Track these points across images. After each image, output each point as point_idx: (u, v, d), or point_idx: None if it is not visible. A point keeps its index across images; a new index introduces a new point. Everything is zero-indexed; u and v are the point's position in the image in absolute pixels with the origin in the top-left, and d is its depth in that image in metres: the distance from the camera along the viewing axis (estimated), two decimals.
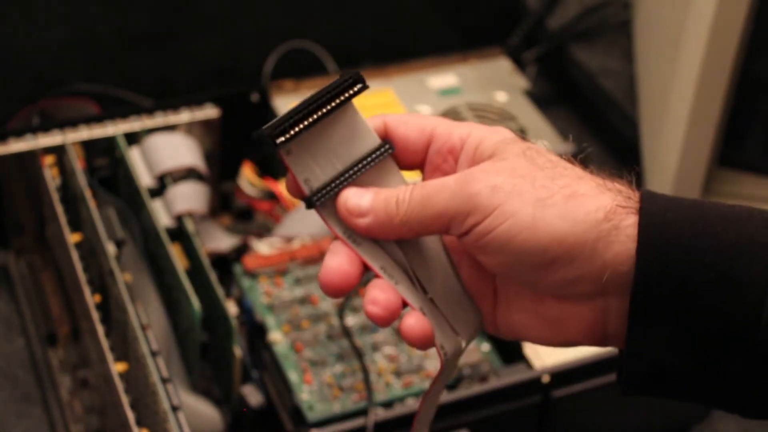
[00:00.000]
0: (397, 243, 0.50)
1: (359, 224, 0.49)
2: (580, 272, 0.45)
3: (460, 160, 0.50)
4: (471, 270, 0.50)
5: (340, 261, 0.49)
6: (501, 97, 1.01)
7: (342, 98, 0.51)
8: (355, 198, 0.49)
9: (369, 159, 0.50)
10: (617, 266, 0.45)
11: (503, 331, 0.50)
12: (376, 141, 0.51)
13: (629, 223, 0.45)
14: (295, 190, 0.50)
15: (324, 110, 0.50)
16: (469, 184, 0.46)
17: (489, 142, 0.49)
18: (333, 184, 0.49)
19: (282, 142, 0.49)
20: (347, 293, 0.49)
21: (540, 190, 0.46)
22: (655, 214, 0.45)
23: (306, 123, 0.49)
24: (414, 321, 0.48)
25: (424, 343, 0.48)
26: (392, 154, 0.51)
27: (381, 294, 0.48)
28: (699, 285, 0.44)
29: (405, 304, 0.49)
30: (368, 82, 1.11)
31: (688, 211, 0.45)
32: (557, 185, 0.46)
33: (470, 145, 0.49)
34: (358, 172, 0.49)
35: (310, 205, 0.49)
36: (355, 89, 0.51)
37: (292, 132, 0.49)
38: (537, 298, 0.48)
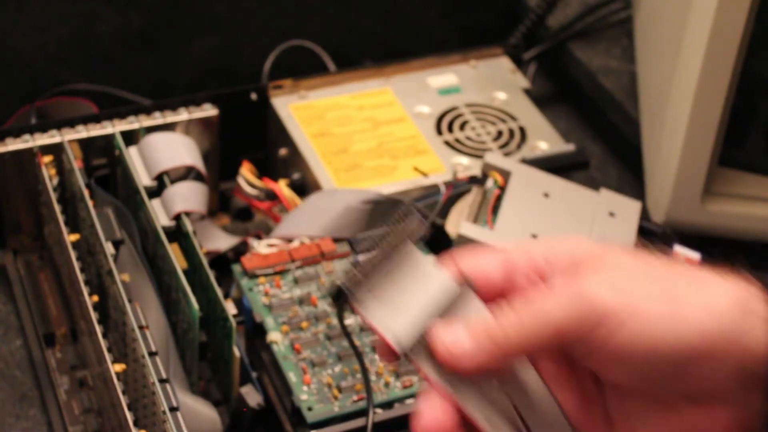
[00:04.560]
0: (497, 381, 0.46)
1: (462, 362, 0.45)
2: (721, 365, 0.43)
3: (552, 278, 0.46)
4: (575, 399, 0.47)
5: (434, 414, 0.45)
6: (501, 96, 1.01)
7: (402, 240, 0.48)
8: (450, 335, 0.45)
9: (449, 297, 0.47)
10: (758, 353, 0.43)
11: None
12: (449, 280, 0.48)
13: (761, 307, 0.43)
14: (383, 348, 0.46)
15: (387, 257, 0.48)
16: (588, 291, 0.43)
17: (583, 251, 0.46)
18: (419, 328, 0.46)
19: (354, 296, 0.46)
20: None
21: (665, 286, 0.43)
22: None
23: (373, 272, 0.47)
24: None
25: None
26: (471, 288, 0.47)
27: None
28: None
29: None
30: (367, 82, 1.12)
31: None
32: (680, 280, 0.44)
33: (560, 259, 0.46)
34: (439, 312, 0.46)
35: (401, 355, 0.46)
36: (413, 227, 0.48)
37: (361, 284, 0.47)
38: (667, 408, 0.45)
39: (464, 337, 0.45)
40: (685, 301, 0.43)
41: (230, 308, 0.75)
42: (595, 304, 0.43)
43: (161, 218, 0.83)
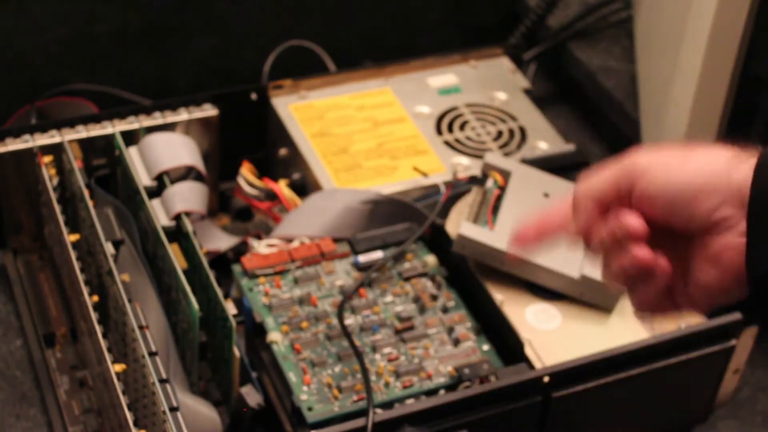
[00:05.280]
0: None
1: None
2: (720, 196, 0.57)
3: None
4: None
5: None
6: (501, 96, 1.01)
7: None
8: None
9: None
10: (743, 183, 0.56)
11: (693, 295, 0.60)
12: None
13: (745, 156, 0.57)
14: None
15: None
16: (632, 157, 0.60)
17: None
18: None
19: None
20: None
21: (681, 153, 0.59)
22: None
23: None
24: None
25: None
26: None
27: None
28: None
29: None
30: (367, 82, 1.12)
31: None
32: (693, 150, 0.59)
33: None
34: None
35: None
36: None
37: None
38: (697, 244, 0.58)
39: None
40: (691, 157, 0.58)
41: (230, 308, 0.75)
42: (634, 162, 0.59)
43: (161, 218, 0.83)
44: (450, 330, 0.80)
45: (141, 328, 0.72)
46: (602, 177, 0.60)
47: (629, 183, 0.59)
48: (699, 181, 0.57)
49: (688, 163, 0.58)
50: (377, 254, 0.84)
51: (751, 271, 0.56)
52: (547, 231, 0.63)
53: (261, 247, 0.85)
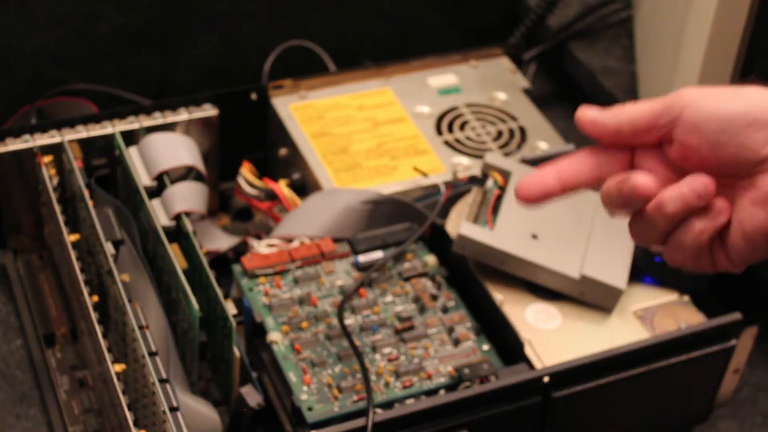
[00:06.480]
0: None
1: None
2: None
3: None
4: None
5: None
6: (501, 96, 1.01)
7: None
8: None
9: None
10: None
11: (738, 249, 0.55)
12: None
13: None
14: None
15: None
16: (677, 92, 0.56)
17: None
18: None
19: None
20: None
21: (731, 89, 0.55)
22: None
23: None
24: None
25: None
26: None
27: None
28: None
29: None
30: (367, 82, 1.12)
31: None
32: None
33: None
34: None
35: None
36: None
37: None
38: (750, 183, 0.54)
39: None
40: (744, 90, 0.54)
41: (230, 308, 0.75)
42: (680, 95, 0.55)
43: (161, 218, 0.83)
44: (450, 330, 0.80)
45: (141, 328, 0.72)
46: (641, 105, 0.56)
47: (672, 115, 0.55)
48: (753, 110, 0.52)
49: (740, 94, 0.53)
50: (377, 254, 0.84)
51: None
52: (561, 173, 0.58)
53: (261, 247, 0.85)
